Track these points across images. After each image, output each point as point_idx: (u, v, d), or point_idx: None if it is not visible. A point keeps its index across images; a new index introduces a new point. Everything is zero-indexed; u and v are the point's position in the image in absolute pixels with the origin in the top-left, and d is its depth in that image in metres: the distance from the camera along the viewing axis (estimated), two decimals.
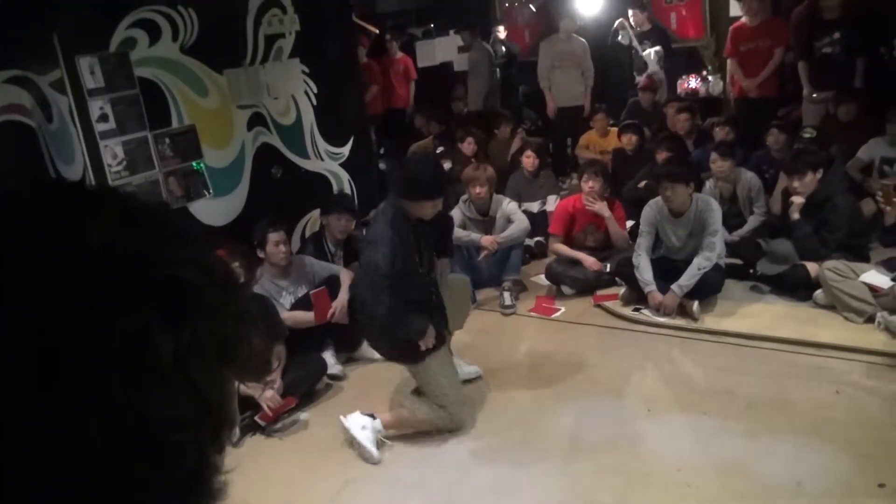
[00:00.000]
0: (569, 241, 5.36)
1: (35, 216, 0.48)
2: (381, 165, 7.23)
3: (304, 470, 3.50)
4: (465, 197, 5.41)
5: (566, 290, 5.23)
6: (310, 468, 3.51)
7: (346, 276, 4.52)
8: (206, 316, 0.50)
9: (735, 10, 7.29)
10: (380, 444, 3.54)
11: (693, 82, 8.06)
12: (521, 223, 5.32)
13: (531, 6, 9.45)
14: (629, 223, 5.46)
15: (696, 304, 4.59)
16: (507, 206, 5.39)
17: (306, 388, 4.08)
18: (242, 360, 0.53)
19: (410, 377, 3.74)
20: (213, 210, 4.86)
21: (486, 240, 5.21)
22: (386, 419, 3.62)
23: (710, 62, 7.96)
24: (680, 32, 8.34)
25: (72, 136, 4.16)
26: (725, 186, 5.50)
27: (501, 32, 9.26)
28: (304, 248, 5.05)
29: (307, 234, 5.43)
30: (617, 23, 7.84)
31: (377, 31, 8.88)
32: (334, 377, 4.32)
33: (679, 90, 8.07)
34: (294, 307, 4.38)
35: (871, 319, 4.20)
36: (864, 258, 4.71)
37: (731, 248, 5.13)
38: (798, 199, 4.76)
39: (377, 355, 4.02)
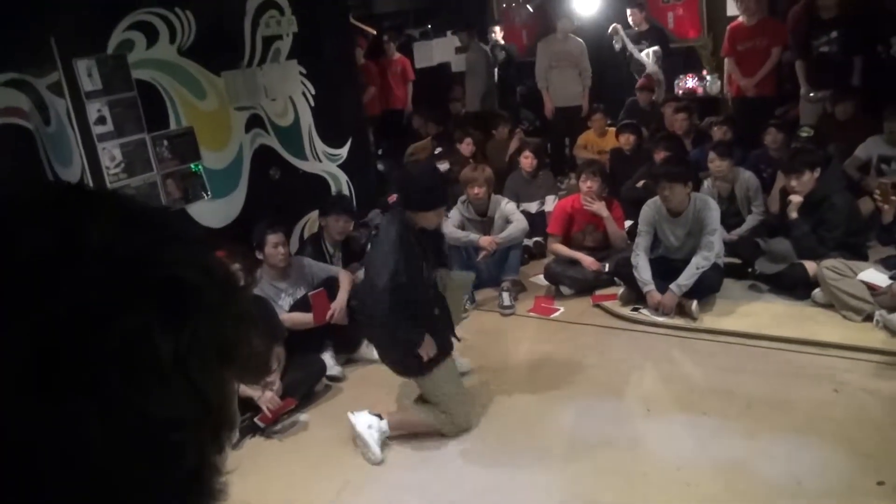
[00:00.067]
0: (567, 241, 5.36)
1: (35, 216, 0.48)
2: (380, 166, 7.23)
3: (303, 471, 3.50)
4: (463, 198, 5.42)
5: (565, 290, 5.23)
6: (309, 469, 3.51)
7: (344, 278, 4.52)
8: (207, 316, 0.50)
9: (732, 9, 7.29)
10: (383, 445, 3.54)
11: (691, 82, 8.07)
12: (519, 223, 5.32)
13: (528, 6, 9.46)
14: (627, 223, 5.47)
15: (694, 304, 4.59)
16: (506, 206, 5.39)
17: (305, 389, 4.08)
18: (242, 360, 0.54)
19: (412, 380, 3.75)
20: (212, 212, 4.86)
21: (485, 240, 5.21)
22: (393, 420, 3.63)
23: (708, 62, 7.97)
24: (677, 32, 8.34)
25: (69, 138, 4.15)
26: (723, 186, 5.50)
27: (498, 33, 9.26)
28: (303, 249, 5.05)
29: (306, 235, 5.43)
30: (611, 28, 7.86)
31: (375, 33, 8.88)
32: (333, 378, 4.32)
33: (677, 90, 8.08)
34: (293, 309, 4.38)
35: (869, 318, 4.21)
36: (863, 256, 4.72)
37: (730, 248, 5.13)
38: (796, 198, 4.77)
39: (376, 356, 4.02)
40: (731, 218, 5.40)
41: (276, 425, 3.84)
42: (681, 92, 8.05)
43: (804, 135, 5.94)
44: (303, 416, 3.96)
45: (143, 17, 4.42)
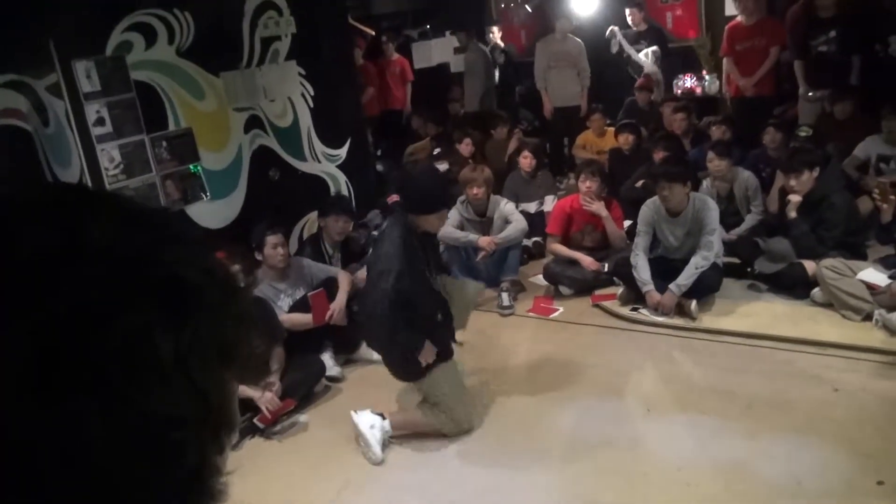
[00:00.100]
0: (566, 241, 5.36)
1: (36, 216, 0.48)
2: (379, 167, 7.23)
3: (303, 472, 3.50)
4: (462, 198, 5.41)
5: (564, 290, 5.23)
6: (309, 470, 3.51)
7: (343, 278, 4.52)
8: (207, 315, 0.50)
9: (731, 9, 7.30)
10: (384, 445, 3.54)
11: (689, 82, 8.08)
12: (518, 224, 5.32)
13: (527, 7, 9.46)
14: (627, 223, 5.47)
15: (694, 304, 4.59)
16: (505, 206, 5.39)
17: (305, 390, 4.08)
18: (243, 360, 0.54)
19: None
20: (211, 213, 4.86)
21: (484, 241, 5.21)
22: (395, 420, 3.63)
23: (707, 61, 7.97)
24: (676, 32, 8.35)
25: (68, 140, 4.15)
26: (722, 185, 5.50)
27: (496, 33, 9.26)
28: (302, 250, 5.05)
29: (305, 236, 5.43)
30: (608, 32, 7.86)
31: (373, 33, 8.88)
32: (333, 379, 4.32)
33: (675, 90, 8.08)
34: (292, 309, 4.38)
35: (868, 317, 4.21)
36: (862, 256, 4.72)
37: (729, 247, 5.13)
38: (795, 198, 4.77)
39: (376, 356, 4.02)
40: (730, 217, 5.40)
41: (275, 426, 3.84)
42: (679, 92, 8.05)
43: (803, 134, 5.95)
44: (302, 417, 3.96)
45: (141, 18, 4.42)
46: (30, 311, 0.44)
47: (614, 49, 7.80)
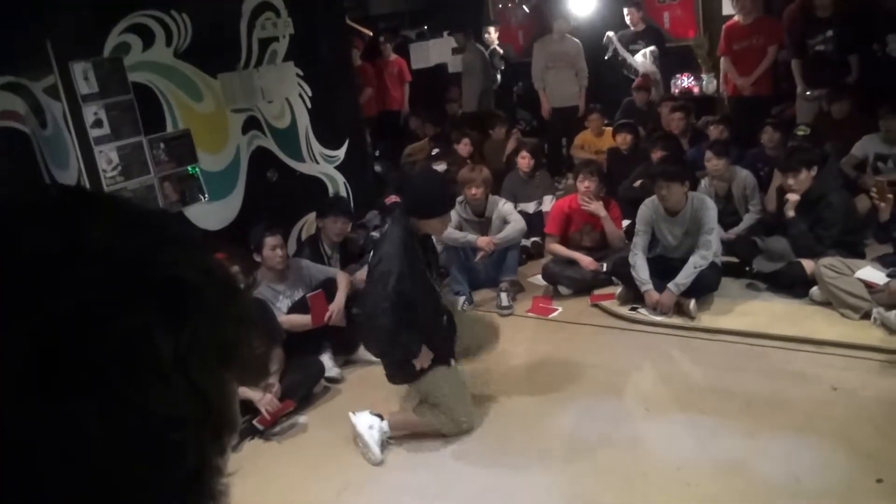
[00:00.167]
0: (565, 241, 5.36)
1: (35, 218, 0.48)
2: (377, 168, 7.23)
3: (303, 473, 3.50)
4: (460, 198, 5.40)
5: (563, 290, 5.23)
6: (309, 471, 3.51)
7: (342, 279, 4.52)
8: (207, 316, 0.50)
9: (728, 8, 7.31)
10: (383, 446, 3.54)
11: (687, 81, 8.08)
12: (517, 224, 5.32)
13: (524, 7, 9.46)
14: (625, 223, 5.47)
15: (692, 303, 4.59)
16: (503, 206, 5.39)
17: (304, 391, 4.07)
18: (242, 361, 0.54)
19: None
20: (209, 214, 4.86)
21: (483, 241, 5.20)
22: (394, 421, 3.63)
23: (704, 61, 7.98)
24: (673, 31, 8.35)
25: (66, 141, 4.15)
26: (720, 185, 5.51)
27: (493, 34, 9.26)
28: (301, 251, 5.05)
29: (303, 237, 5.43)
30: (605, 39, 7.87)
31: (371, 34, 8.88)
32: (332, 380, 4.32)
33: (673, 89, 8.08)
34: (291, 310, 4.38)
35: (867, 316, 4.21)
36: (860, 255, 4.73)
37: (727, 247, 5.14)
38: (793, 197, 4.77)
39: (375, 357, 4.02)
40: (728, 217, 5.41)
41: (275, 427, 3.84)
42: (677, 91, 8.05)
43: (800, 133, 5.95)
44: (302, 418, 3.96)
45: (139, 19, 4.42)
46: (29, 312, 0.44)
47: (608, 55, 7.81)
